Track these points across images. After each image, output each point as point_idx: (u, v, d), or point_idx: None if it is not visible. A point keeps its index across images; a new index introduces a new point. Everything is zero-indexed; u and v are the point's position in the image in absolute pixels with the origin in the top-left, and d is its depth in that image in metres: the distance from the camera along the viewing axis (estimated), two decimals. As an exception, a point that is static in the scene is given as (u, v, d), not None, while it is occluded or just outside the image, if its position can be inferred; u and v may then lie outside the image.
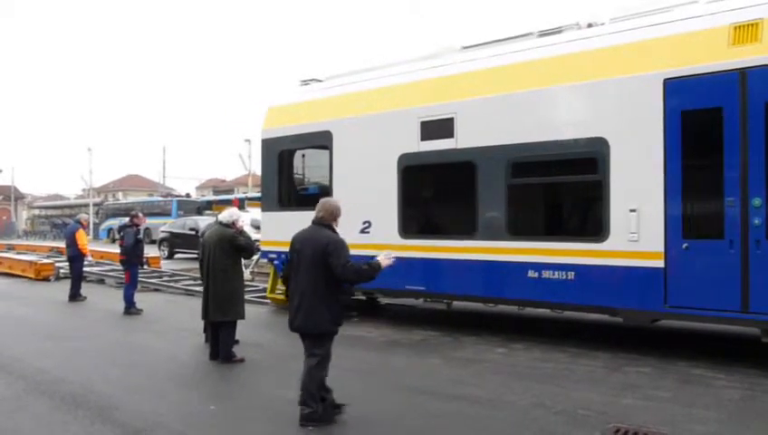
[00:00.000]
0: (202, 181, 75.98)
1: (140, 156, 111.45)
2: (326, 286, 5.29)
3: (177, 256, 25.04)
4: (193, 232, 22.61)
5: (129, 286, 11.92)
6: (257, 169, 51.81)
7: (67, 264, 14.98)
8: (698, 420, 5.33)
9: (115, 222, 41.40)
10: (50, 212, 65.46)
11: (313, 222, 5.54)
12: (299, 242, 5.47)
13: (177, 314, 11.84)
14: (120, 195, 61.79)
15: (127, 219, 12.58)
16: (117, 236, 12.64)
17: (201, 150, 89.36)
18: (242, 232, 8.24)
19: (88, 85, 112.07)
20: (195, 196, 54.22)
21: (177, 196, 47.29)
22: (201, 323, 9.02)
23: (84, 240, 14.14)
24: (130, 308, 11.70)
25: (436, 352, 8.13)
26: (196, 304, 10.02)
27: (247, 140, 46.44)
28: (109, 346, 9.08)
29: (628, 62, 7.59)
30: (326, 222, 5.50)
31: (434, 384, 6.58)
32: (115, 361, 8.13)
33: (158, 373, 7.45)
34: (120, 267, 18.31)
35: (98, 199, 57.80)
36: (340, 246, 5.30)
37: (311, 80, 11.92)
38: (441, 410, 5.76)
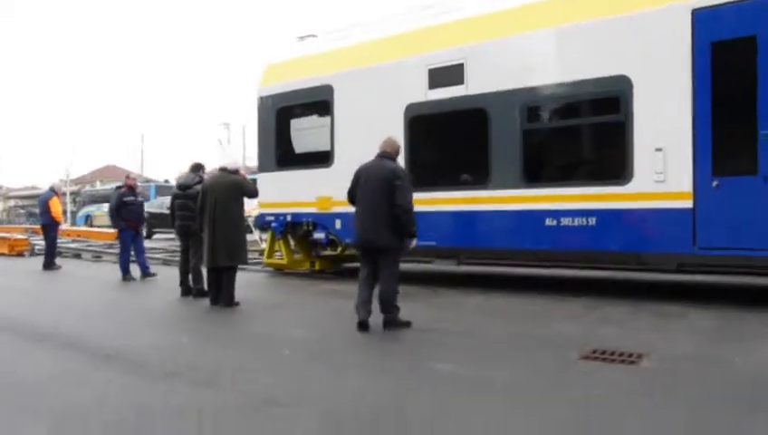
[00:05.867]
0: (181, 169, 74.70)
1: (118, 147, 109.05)
2: (389, 207, 6.00)
3: (155, 236, 24.65)
4: (169, 211, 22.10)
5: (122, 253, 11.25)
6: (237, 154, 50.99)
7: (42, 241, 14.39)
8: (674, 343, 5.37)
9: (93, 208, 40.36)
10: (26, 202, 63.93)
11: (379, 155, 6.33)
12: (365, 170, 6.26)
13: (154, 278, 11.26)
14: (97, 183, 60.50)
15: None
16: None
17: (179, 138, 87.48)
18: (245, 178, 8.20)
19: (64, 78, 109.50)
20: (173, 181, 53.22)
21: (154, 181, 46.36)
22: (177, 282, 9.14)
23: (58, 208, 13.62)
24: (124, 276, 11.01)
25: (416, 300, 7.89)
26: (173, 272, 10.20)
27: (226, 124, 45.60)
28: (82, 300, 9.12)
29: (653, -6, 7.24)
30: (389, 155, 6.32)
31: (413, 322, 6.34)
32: (88, 310, 8.10)
33: (131, 317, 7.48)
34: (97, 244, 17.94)
35: (74, 188, 56.49)
36: (407, 176, 6.23)
37: (308, 36, 11.43)
38: (418, 339, 5.82)
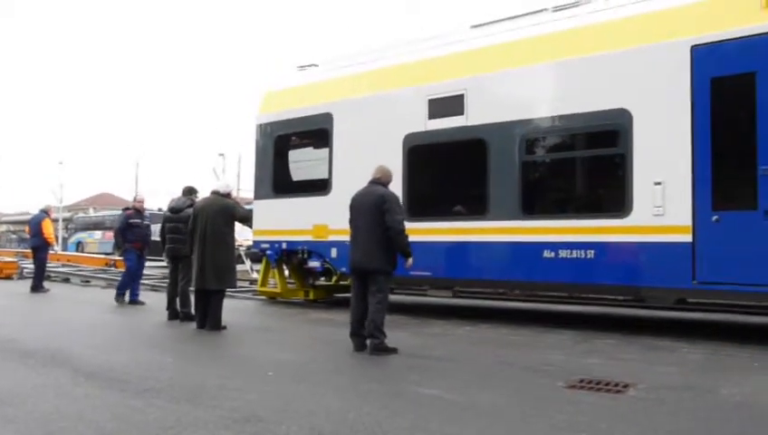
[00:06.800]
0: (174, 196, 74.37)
1: (113, 175, 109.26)
2: (382, 232, 6.14)
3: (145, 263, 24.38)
4: (160, 239, 21.89)
5: (123, 274, 11.05)
6: (232, 182, 51.03)
7: (31, 265, 14.21)
8: (662, 374, 5.31)
9: (84, 235, 40.05)
10: (18, 227, 63.54)
11: (370, 182, 6.49)
12: (358, 196, 6.44)
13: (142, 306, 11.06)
14: (90, 210, 60.39)
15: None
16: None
17: (174, 167, 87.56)
18: (237, 202, 8.18)
19: (60, 102, 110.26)
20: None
21: (148, 209, 46.11)
22: (164, 306, 9.10)
23: (50, 229, 13.47)
24: (118, 296, 10.76)
25: (404, 329, 7.82)
26: (161, 297, 10.05)
27: (221, 155, 45.77)
28: (68, 321, 8.96)
29: (653, 30, 7.32)
30: (381, 182, 6.46)
31: (400, 349, 6.26)
32: (73, 329, 7.97)
33: (115, 337, 7.44)
34: (87, 268, 17.72)
35: (67, 215, 56.23)
36: (395, 199, 6.34)
37: (308, 65, 11.50)
38: (404, 364, 5.75)
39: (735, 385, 4.88)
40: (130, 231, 10.83)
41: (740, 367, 5.66)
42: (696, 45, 6.93)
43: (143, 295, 11.22)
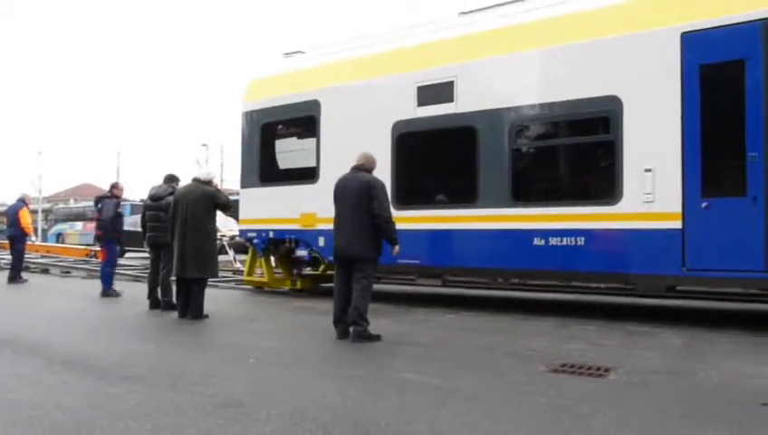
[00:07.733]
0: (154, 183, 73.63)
1: (94, 166, 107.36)
2: (367, 218, 6.06)
3: (127, 254, 24.10)
4: (141, 228, 21.61)
5: (106, 264, 10.53)
6: (215, 171, 50.82)
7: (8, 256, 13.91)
8: (642, 359, 5.36)
9: (65, 226, 39.48)
10: (-6, 219, 62.47)
11: (354, 168, 6.40)
12: (342, 182, 6.36)
13: (124, 293, 10.80)
14: (71, 201, 59.55)
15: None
16: (96, 209, 10.69)
17: (157, 158, 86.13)
18: (218, 190, 8.13)
19: (39, 92, 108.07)
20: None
21: (130, 200, 45.72)
22: (145, 296, 9.01)
23: (28, 219, 13.17)
24: (108, 290, 10.30)
25: (386, 316, 7.80)
26: (143, 288, 9.82)
27: (204, 145, 45.51)
28: (47, 311, 8.83)
29: (643, 17, 7.31)
30: (365, 168, 6.39)
31: (383, 336, 6.25)
32: (51, 319, 7.84)
33: (95, 327, 7.35)
34: (67, 259, 17.36)
35: (47, 205, 55.49)
36: (382, 186, 6.24)
37: (294, 52, 11.36)
38: (387, 351, 5.77)
39: (714, 368, 4.96)
40: (118, 220, 10.51)
41: (719, 351, 5.73)
42: (685, 32, 6.93)
43: (123, 285, 11.04)
